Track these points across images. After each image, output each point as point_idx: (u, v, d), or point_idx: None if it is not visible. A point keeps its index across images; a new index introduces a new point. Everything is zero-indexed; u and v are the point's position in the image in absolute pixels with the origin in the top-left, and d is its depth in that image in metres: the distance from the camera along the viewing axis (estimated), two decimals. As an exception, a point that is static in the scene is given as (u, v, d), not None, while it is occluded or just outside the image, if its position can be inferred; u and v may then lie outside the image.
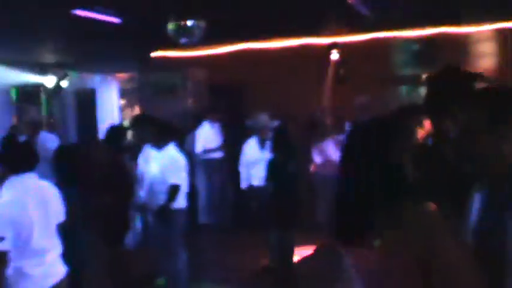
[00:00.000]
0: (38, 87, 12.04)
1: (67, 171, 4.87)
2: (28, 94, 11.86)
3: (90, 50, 10.28)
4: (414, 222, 2.00)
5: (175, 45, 8.83)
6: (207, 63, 10.89)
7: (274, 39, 10.37)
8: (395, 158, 2.11)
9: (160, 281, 6.70)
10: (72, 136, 12.48)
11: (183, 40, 7.01)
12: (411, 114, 4.07)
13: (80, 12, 7.25)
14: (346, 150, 2.26)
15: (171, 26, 6.93)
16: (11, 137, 4.38)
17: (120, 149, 6.22)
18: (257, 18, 8.12)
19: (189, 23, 6.81)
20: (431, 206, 2.02)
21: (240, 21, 8.15)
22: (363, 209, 2.10)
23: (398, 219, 2.02)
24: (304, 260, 7.69)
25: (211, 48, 10.73)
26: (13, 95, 11.63)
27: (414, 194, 2.11)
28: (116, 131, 6.59)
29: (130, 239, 6.09)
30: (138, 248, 6.67)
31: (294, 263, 7.00)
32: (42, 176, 4.11)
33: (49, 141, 6.56)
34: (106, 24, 7.88)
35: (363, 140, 2.20)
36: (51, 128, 10.48)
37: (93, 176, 5.69)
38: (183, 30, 6.88)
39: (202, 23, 6.91)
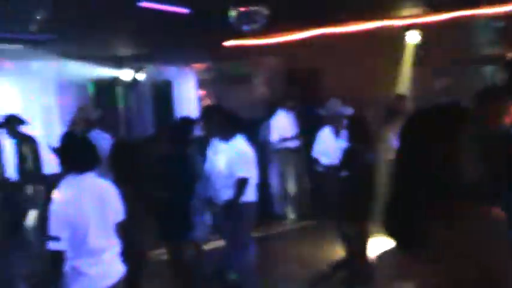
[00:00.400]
0: (114, 81, 12.20)
1: (124, 169, 4.77)
2: (105, 88, 12.04)
3: (165, 41, 10.28)
4: (481, 236, 1.68)
5: (246, 34, 8.66)
6: (281, 50, 10.67)
7: (350, 23, 10.00)
8: (459, 151, 1.81)
9: (233, 275, 6.57)
10: (149, 128, 12.56)
11: (245, 27, 6.86)
12: (493, 97, 3.76)
13: (147, 4, 7.21)
14: (402, 140, 1.97)
15: (232, 14, 6.79)
16: (70, 134, 4.32)
17: (186, 141, 6.08)
18: (331, 2, 7.82)
19: (250, 9, 6.65)
20: (500, 214, 1.70)
21: (313, 6, 7.88)
22: (418, 213, 1.81)
23: (461, 229, 1.71)
24: (382, 254, 7.35)
25: (285, 35, 10.49)
26: (90, 89, 11.82)
27: (480, 194, 1.80)
28: (184, 123, 6.48)
29: (199, 234, 5.98)
30: (207, 242, 6.57)
31: (371, 257, 6.71)
32: (97, 174, 4.01)
33: (101, 140, 6.54)
34: (177, 15, 7.82)
35: (421, 129, 1.91)
36: (128, 123, 10.56)
37: (153, 171, 5.59)
38: (244, 18, 6.73)
39: (264, 10, 6.74)
